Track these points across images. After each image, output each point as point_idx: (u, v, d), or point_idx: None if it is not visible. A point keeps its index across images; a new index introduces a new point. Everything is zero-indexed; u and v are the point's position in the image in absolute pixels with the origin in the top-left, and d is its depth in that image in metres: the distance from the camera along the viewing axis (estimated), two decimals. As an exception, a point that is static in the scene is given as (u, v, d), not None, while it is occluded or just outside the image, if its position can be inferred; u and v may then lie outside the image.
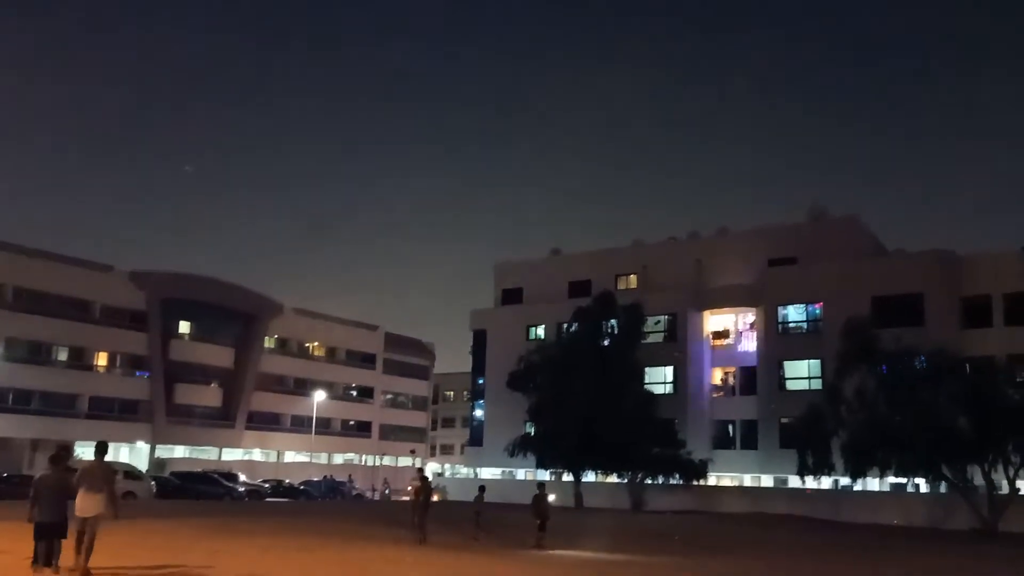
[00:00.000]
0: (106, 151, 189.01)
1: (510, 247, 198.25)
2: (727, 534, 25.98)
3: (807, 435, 37.65)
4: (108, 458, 12.99)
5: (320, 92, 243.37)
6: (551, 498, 24.13)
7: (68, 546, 12.02)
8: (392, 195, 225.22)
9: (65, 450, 13.01)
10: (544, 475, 49.89)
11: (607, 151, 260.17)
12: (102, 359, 60.88)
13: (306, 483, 53.19)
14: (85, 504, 12.00)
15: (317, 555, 15.83)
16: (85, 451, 53.52)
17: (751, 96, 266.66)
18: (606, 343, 43.98)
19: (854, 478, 37.05)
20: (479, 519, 20.99)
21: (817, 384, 42.59)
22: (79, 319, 57.76)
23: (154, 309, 61.84)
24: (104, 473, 12.42)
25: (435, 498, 26.61)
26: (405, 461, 79.28)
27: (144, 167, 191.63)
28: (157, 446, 61.32)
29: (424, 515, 20.37)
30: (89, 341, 58.97)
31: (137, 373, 62.35)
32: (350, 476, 59.24)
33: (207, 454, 64.53)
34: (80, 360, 59.17)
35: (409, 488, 25.29)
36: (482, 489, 22.80)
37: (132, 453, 59.04)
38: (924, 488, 37.89)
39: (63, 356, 58.32)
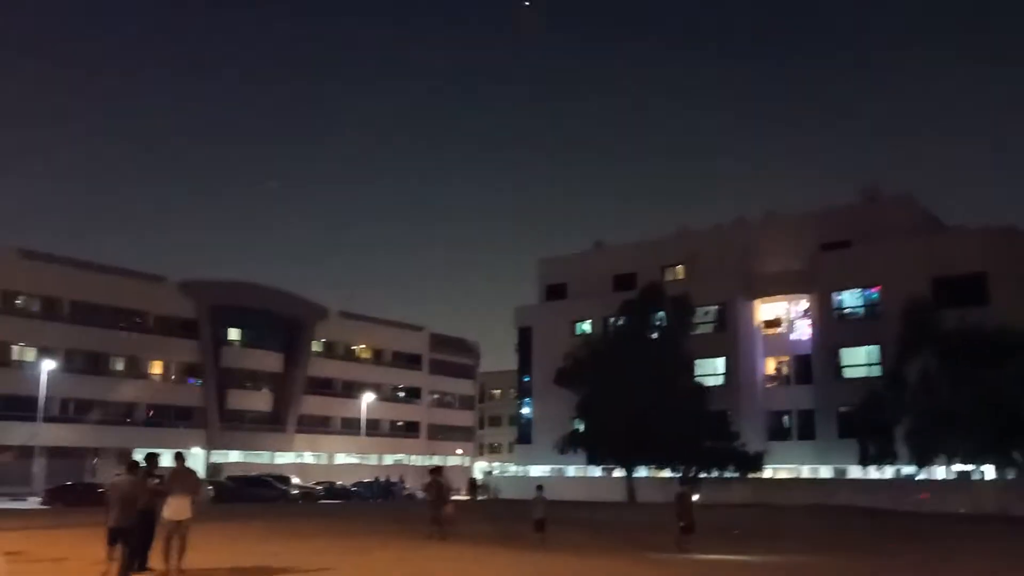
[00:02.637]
0: (145, 162, 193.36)
1: (553, 243, 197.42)
2: (795, 527, 25.18)
3: (868, 423, 36.80)
4: (163, 464, 13.44)
5: (355, 92, 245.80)
6: (695, 497, 22.02)
7: (156, 549, 12.29)
8: (431, 193, 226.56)
9: (152, 456, 13.40)
10: (596, 471, 49.54)
11: (646, 139, 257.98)
12: (156, 368, 62.09)
13: (358, 484, 53.50)
14: (177, 508, 12.40)
15: (376, 555, 15.78)
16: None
17: (791, 72, 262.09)
18: (654, 336, 43.43)
19: (919, 466, 36.10)
20: (543, 524, 18.59)
21: (876, 371, 41.58)
22: (134, 329, 59.08)
23: (204, 317, 62.89)
24: (191, 478, 13.14)
25: (460, 495, 25.09)
26: (454, 461, 79.41)
27: (186, 176, 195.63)
28: (212, 451, 62.29)
29: (439, 511, 20.08)
30: (144, 351, 60.20)
31: (190, 380, 63.45)
32: (401, 476, 59.49)
33: (260, 458, 65.37)
34: (136, 369, 60.41)
35: (423, 485, 24.74)
36: (540, 488, 20.29)
37: (188, 459, 60.04)
38: (991, 474, 36.62)
39: (120, 366, 59.59)
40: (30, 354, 53.85)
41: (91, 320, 56.25)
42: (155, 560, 12.36)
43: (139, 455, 43.37)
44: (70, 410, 55.69)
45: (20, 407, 50.68)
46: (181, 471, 13.02)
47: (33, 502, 40.09)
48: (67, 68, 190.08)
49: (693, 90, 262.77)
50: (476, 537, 19.66)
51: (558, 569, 14.21)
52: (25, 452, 49.88)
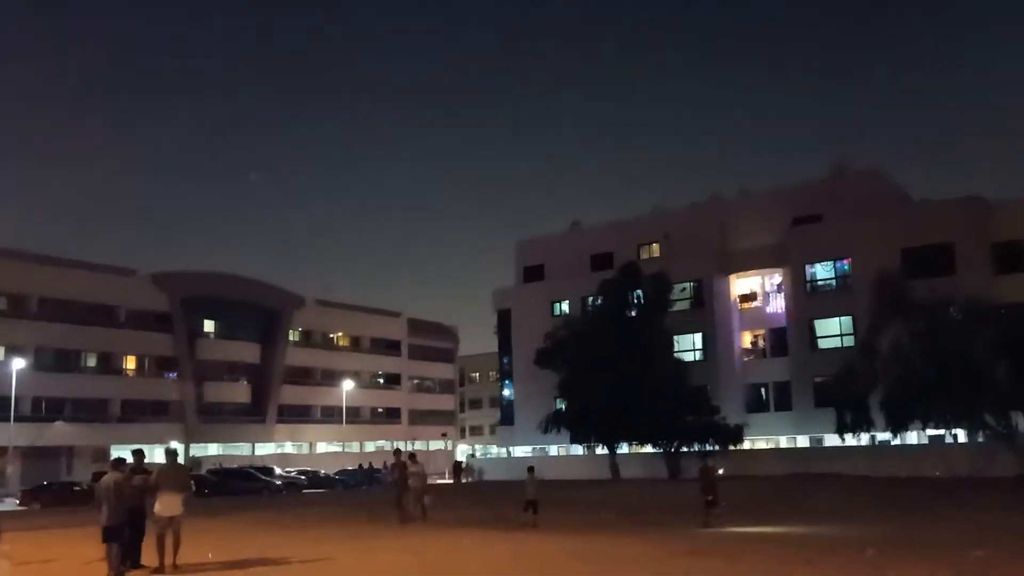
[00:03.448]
0: (111, 150, 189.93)
1: (529, 224, 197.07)
2: (783, 498, 25.51)
3: (844, 393, 37.37)
4: (144, 461, 13.42)
5: (330, 76, 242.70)
6: (720, 471, 21.71)
7: (148, 546, 12.26)
8: (404, 176, 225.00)
9: (138, 453, 13.35)
10: (578, 450, 49.91)
11: (620, 117, 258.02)
12: (131, 363, 61.31)
13: (342, 472, 53.42)
14: (167, 504, 12.40)
15: (373, 543, 15.73)
16: (121, 455, 54.28)
17: (763, 50, 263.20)
18: (633, 314, 43.68)
19: (894, 432, 36.79)
20: (535, 505, 18.23)
21: (850, 341, 42.20)
22: (105, 324, 58.15)
23: (177, 310, 62.10)
24: (182, 474, 13.17)
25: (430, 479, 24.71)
26: (437, 445, 79.55)
27: (156, 167, 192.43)
28: (191, 445, 61.77)
29: (403, 495, 20.10)
30: (117, 346, 59.33)
31: (166, 374, 62.73)
32: (384, 463, 59.47)
33: (240, 450, 65.00)
34: (109, 365, 59.58)
35: (388, 466, 24.65)
36: (532, 470, 19.74)
37: (179, 454, 59.52)
38: (963, 438, 37.44)
39: (92, 362, 58.76)
40: (-2, 353, 52.85)
41: (61, 316, 55.20)
42: (148, 557, 12.29)
43: (116, 452, 43.12)
44: (42, 409, 54.82)
45: (-11, 407, 49.76)
46: (171, 467, 12.99)
47: (9, 503, 39.55)
48: (39, 50, 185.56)
49: (665, 65, 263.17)
50: (468, 521, 19.69)
51: (581, 550, 14.18)
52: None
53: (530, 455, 54.68)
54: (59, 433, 54.37)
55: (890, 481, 32.17)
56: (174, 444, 59.70)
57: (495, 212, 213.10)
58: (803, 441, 45.52)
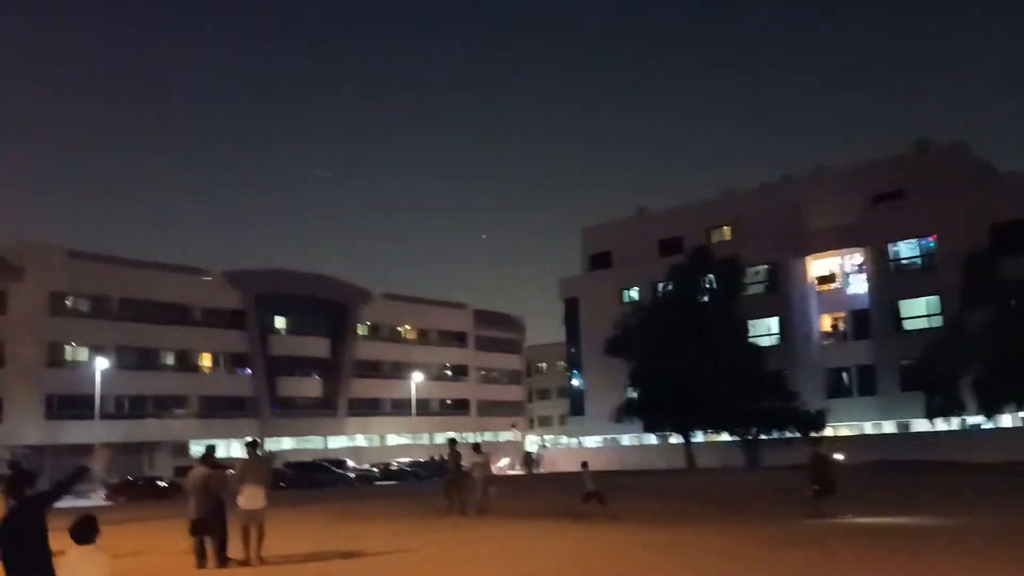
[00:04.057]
0: (179, 148, 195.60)
1: (594, 211, 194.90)
2: (875, 486, 24.31)
3: (932, 375, 35.78)
4: (220, 454, 13.47)
5: (390, 65, 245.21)
6: (838, 457, 20.66)
7: (233, 539, 12.20)
8: (467, 166, 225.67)
9: (209, 448, 13.28)
10: (651, 439, 49.04)
11: (683, 100, 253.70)
12: (206, 360, 62.79)
13: (413, 464, 53.64)
14: (251, 497, 12.35)
15: (451, 534, 15.48)
16: (198, 450, 55.73)
17: (831, 27, 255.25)
18: (705, 299, 42.56)
19: (988, 415, 35.14)
20: (598, 496, 17.78)
21: (937, 321, 40.52)
22: (182, 323, 59.63)
23: (250, 307, 63.36)
24: (264, 468, 13.13)
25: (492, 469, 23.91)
26: (506, 436, 79.49)
27: (225, 165, 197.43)
28: (265, 439, 63.00)
29: (453, 485, 19.66)
30: (193, 343, 60.83)
31: (240, 370, 64.07)
32: (441, 454, 59.65)
33: (313, 443, 65.98)
34: (186, 362, 61.12)
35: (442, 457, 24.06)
36: (585, 465, 19.29)
37: (243, 449, 60.92)
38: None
39: (170, 360, 60.35)
40: (83, 353, 54.70)
41: (140, 316, 56.87)
42: (234, 550, 12.24)
43: (195, 447, 44.29)
44: (125, 406, 56.57)
45: (77, 406, 51.64)
46: (254, 460, 12.97)
47: (95, 498, 40.81)
48: (105, 64, 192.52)
49: (724, 45, 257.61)
50: (541, 512, 19.10)
51: (664, 541, 13.60)
52: (84, 450, 50.84)
53: (601, 445, 54.13)
54: (142, 429, 56.02)
55: (984, 467, 30.52)
56: (249, 438, 61.61)
57: (559, 200, 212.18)
58: (888, 427, 43.76)
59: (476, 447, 21.02)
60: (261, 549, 12.40)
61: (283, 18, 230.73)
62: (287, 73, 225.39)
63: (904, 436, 41.03)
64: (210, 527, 11.97)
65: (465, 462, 20.71)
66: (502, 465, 58.92)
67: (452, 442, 20.93)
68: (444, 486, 20.09)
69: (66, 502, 6.74)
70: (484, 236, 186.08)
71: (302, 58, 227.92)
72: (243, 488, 12.42)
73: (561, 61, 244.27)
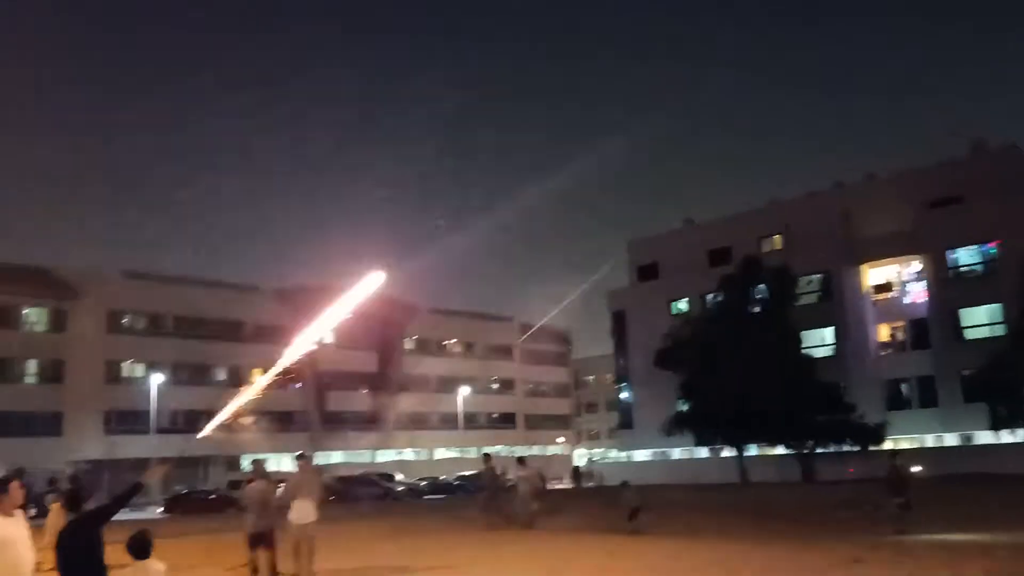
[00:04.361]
0: (229, 163, 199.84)
1: (639, 225, 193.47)
2: (942, 500, 23.46)
3: (997, 385, 34.56)
4: (270, 468, 13.34)
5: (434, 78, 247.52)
6: (915, 469, 20.40)
7: (283, 553, 12.18)
8: (510, 178, 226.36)
9: (257, 462, 13.38)
10: (703, 453, 48.20)
11: (729, 107, 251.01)
12: (257, 375, 63.64)
13: (461, 478, 53.54)
14: (303, 511, 12.24)
15: (506, 550, 15.25)
16: (249, 464, 56.49)
17: (880, 33, 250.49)
18: (756, 310, 41.84)
19: (1057, 427, 33.68)
20: (639, 515, 17.37)
21: (1000, 330, 39.12)
22: (233, 339, 60.66)
23: (299, 323, 64.03)
24: (316, 481, 12.97)
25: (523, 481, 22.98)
26: (554, 450, 78.94)
27: (269, 177, 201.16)
28: (315, 453, 63.60)
29: (491, 500, 19.30)
30: (244, 359, 61.73)
31: (291, 385, 64.84)
32: (503, 468, 59.44)
33: (361, 457, 66.38)
34: (238, 378, 62.02)
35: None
36: (625, 484, 18.80)
37: (293, 463, 61.54)
38: None
39: (222, 376, 61.37)
40: (139, 370, 56.01)
41: (193, 333, 58.09)
42: (284, 564, 12.20)
43: (247, 461, 44.70)
44: (179, 421, 57.63)
45: (133, 421, 52.82)
46: (306, 474, 12.91)
47: (152, 511, 41.56)
48: (165, 85, 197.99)
49: (765, 55, 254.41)
50: (595, 527, 18.66)
51: (724, 558, 13.18)
52: (141, 464, 51.93)
53: (651, 459, 53.38)
54: (196, 444, 56.98)
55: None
56: (305, 452, 62.21)
57: (603, 212, 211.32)
58: (950, 439, 42.29)
59: (520, 461, 20.80)
60: (312, 563, 12.35)
61: (355, 35, 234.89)
62: (340, 90, 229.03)
63: (966, 449, 39.60)
64: (268, 541, 12.01)
65: (511, 475, 20.55)
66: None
67: (487, 457, 20.76)
68: (482, 503, 19.80)
69: (123, 515, 6.76)
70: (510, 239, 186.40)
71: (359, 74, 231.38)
72: (295, 502, 12.41)
73: (609, 70, 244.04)
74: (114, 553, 6.25)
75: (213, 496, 42.37)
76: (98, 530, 6.03)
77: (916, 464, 24.95)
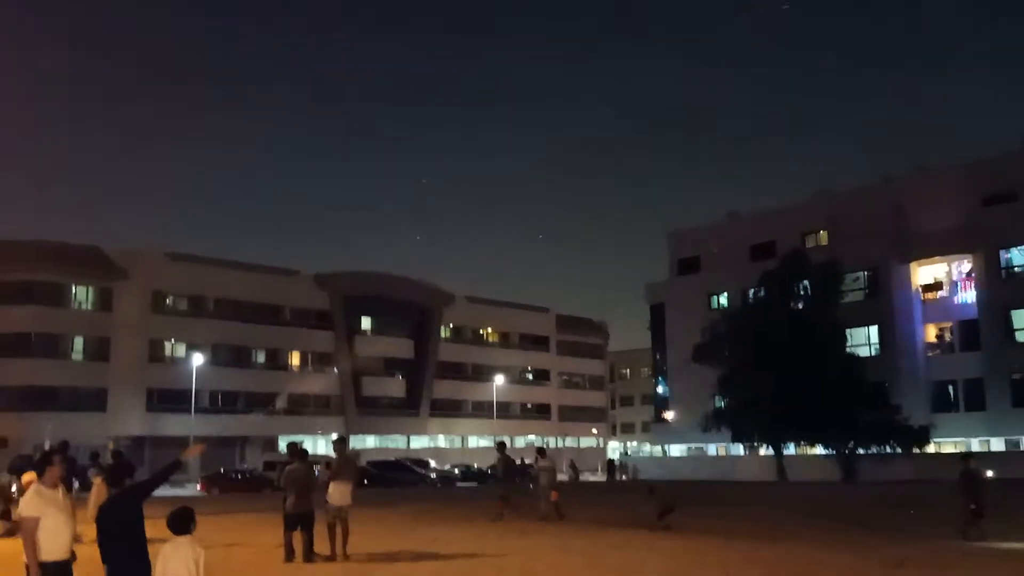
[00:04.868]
0: (278, 156, 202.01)
1: (681, 215, 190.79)
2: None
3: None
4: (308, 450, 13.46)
5: (471, 66, 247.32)
6: (989, 473, 19.46)
7: (320, 534, 12.22)
8: (548, 168, 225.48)
9: (293, 444, 13.39)
10: (739, 450, 47.58)
11: (778, 96, 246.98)
12: (295, 359, 64.39)
13: (494, 466, 53.53)
14: (339, 494, 12.37)
15: (536, 539, 15.09)
16: (288, 445, 57.19)
17: (930, 15, 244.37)
18: (799, 306, 41.05)
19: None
20: (670, 510, 16.92)
21: (1054, 333, 37.73)
22: (272, 322, 61.34)
23: (337, 308, 64.71)
24: (353, 465, 13.22)
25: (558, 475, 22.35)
26: (587, 442, 78.60)
27: (308, 167, 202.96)
28: (350, 437, 64.10)
29: (507, 488, 18.83)
30: (283, 342, 62.49)
31: (327, 369, 65.46)
32: (536, 458, 59.35)
33: (395, 443, 66.84)
34: (276, 361, 62.80)
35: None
36: (652, 491, 18.14)
37: (328, 446, 62.13)
38: None
39: (261, 358, 62.14)
40: (180, 350, 56.90)
41: (234, 315, 58.80)
42: (320, 546, 12.24)
43: (283, 443, 44.84)
44: (218, 401, 58.52)
45: (174, 400, 53.71)
46: (345, 457, 12.94)
47: (190, 489, 42.21)
48: (196, 63, 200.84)
49: (815, 42, 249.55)
50: (624, 520, 18.20)
51: (763, 557, 12.84)
52: (181, 442, 52.81)
53: (686, 454, 52.88)
54: (234, 424, 57.84)
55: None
56: (335, 436, 62.60)
57: (644, 204, 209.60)
58: (997, 444, 41.14)
59: (541, 451, 20.47)
60: (347, 546, 12.42)
61: (391, 16, 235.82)
62: (385, 76, 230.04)
63: (1015, 454, 38.43)
64: (307, 522, 12.05)
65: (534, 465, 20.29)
66: (562, 476, 58.21)
67: (501, 446, 20.29)
68: (500, 493, 19.23)
69: (161, 491, 6.71)
70: (540, 236, 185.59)
71: (405, 61, 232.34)
72: (333, 484, 12.44)
73: (648, 61, 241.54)
74: (155, 528, 6.18)
75: (248, 476, 42.86)
76: (138, 505, 6.03)
77: (989, 469, 23.95)
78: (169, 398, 54.41)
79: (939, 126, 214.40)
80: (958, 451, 42.00)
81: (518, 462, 54.89)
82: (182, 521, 5.80)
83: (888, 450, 38.33)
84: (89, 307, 54.50)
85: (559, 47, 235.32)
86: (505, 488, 19.31)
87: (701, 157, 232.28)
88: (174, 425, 52.69)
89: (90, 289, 54.47)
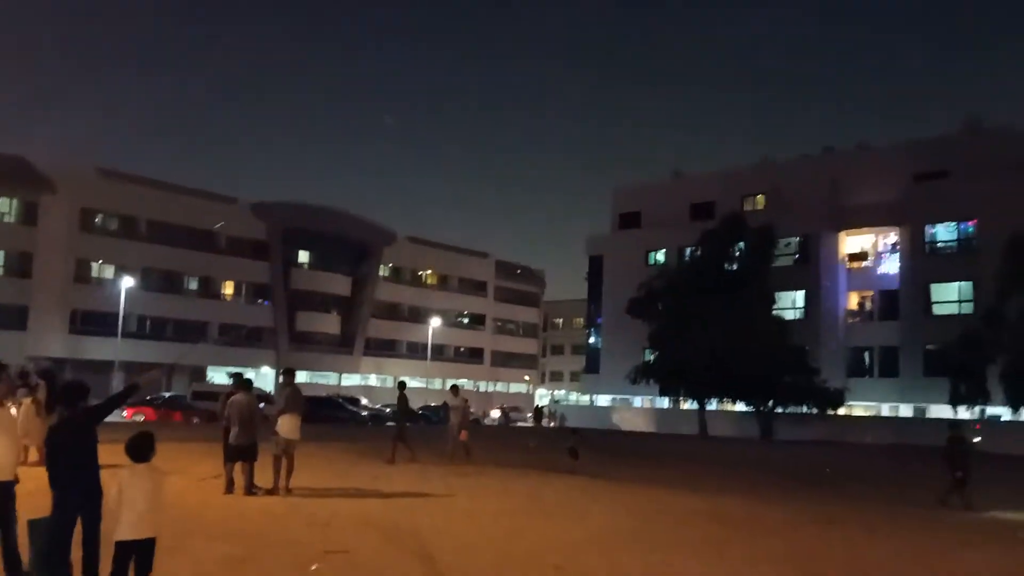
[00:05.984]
0: (226, 83, 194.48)
1: (627, 170, 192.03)
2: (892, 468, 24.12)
3: (960, 362, 35.29)
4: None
5: (436, 19, 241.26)
6: (976, 440, 19.76)
7: (262, 467, 12.12)
8: (501, 119, 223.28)
9: (242, 375, 13.13)
10: (664, 403, 49.04)
11: (729, 66, 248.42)
12: (228, 288, 63.14)
13: (424, 408, 53.95)
14: (289, 427, 12.29)
15: (479, 480, 15.35)
16: (216, 375, 56.53)
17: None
18: (734, 267, 42.08)
19: (1014, 407, 34.69)
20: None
21: (968, 308, 39.87)
22: (207, 249, 59.83)
23: (275, 239, 63.44)
24: (301, 398, 12.84)
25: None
26: (517, 387, 79.76)
27: (262, 99, 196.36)
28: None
29: (402, 430, 17.97)
30: (216, 271, 61.12)
31: (261, 301, 64.42)
32: (466, 401, 60.02)
33: (327, 379, 66.56)
34: (208, 289, 61.47)
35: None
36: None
37: (258, 378, 61.44)
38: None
39: (193, 285, 60.73)
40: (108, 271, 55.13)
41: (167, 239, 57.05)
42: (261, 478, 12.16)
43: (213, 373, 44.27)
44: (147, 327, 57.12)
45: (99, 323, 52.28)
46: (294, 389, 12.74)
47: (115, 416, 41.36)
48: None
49: (778, 14, 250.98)
50: (535, 466, 18.51)
51: (709, 509, 13.45)
52: (105, 367, 51.48)
53: (613, 404, 54.26)
54: (161, 351, 56.65)
55: (1008, 459, 30.16)
56: (265, 369, 61.91)
57: (590, 158, 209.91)
58: (905, 410, 43.44)
59: (454, 388, 19.51)
60: (290, 480, 12.36)
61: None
62: (334, 10, 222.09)
63: (921, 421, 40.59)
64: (250, 455, 11.91)
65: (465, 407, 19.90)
66: (495, 416, 59.23)
67: (401, 385, 19.17)
68: (394, 433, 18.22)
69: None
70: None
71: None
72: (283, 418, 12.32)
73: (607, 24, 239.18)
74: (111, 454, 6.14)
75: (178, 404, 42.15)
76: (93, 428, 5.93)
77: (977, 436, 24.83)
78: (94, 321, 52.91)
79: (885, 105, 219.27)
80: (870, 414, 44.41)
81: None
82: (141, 448, 5.66)
83: (804, 410, 40.00)
84: (12, 219, 52.12)
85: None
86: (399, 428, 18.35)
87: (650, 119, 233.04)
88: (98, 348, 51.38)
89: (13, 201, 52.05)
